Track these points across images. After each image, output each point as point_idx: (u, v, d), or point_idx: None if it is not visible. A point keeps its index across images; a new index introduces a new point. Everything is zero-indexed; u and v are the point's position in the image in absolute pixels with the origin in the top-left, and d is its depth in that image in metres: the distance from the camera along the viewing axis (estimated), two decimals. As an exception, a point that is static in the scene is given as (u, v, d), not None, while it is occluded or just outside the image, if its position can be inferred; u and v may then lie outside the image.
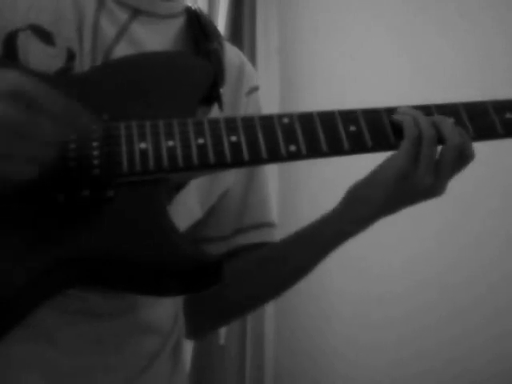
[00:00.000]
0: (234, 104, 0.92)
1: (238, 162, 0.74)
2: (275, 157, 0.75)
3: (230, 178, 0.94)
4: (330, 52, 2.51)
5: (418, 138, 0.78)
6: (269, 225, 0.98)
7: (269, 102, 2.26)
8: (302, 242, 0.92)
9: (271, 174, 2.31)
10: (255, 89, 0.97)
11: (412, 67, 2.38)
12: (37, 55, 0.77)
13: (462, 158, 0.79)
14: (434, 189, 0.80)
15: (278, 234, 0.98)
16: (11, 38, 0.77)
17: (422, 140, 0.78)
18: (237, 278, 0.91)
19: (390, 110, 0.79)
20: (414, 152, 0.78)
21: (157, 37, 0.86)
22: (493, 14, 2.32)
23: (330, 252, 0.90)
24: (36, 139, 0.63)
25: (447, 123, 0.79)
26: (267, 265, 0.94)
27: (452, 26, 2.37)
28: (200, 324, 0.99)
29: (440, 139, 0.78)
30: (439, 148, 0.79)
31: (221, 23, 2.24)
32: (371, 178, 0.83)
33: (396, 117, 0.79)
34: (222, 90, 0.85)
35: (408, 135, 0.78)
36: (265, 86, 2.24)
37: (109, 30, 0.82)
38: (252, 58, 2.32)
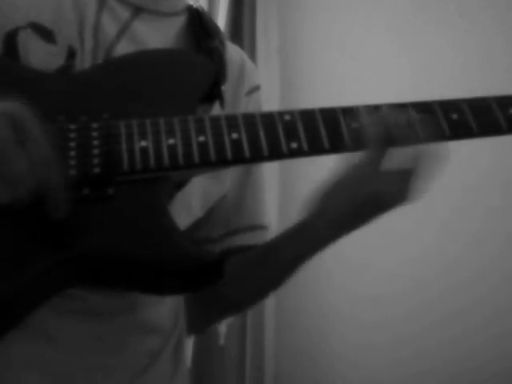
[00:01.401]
0: (234, 103, 0.92)
1: (239, 160, 0.74)
2: (276, 154, 0.74)
3: (231, 180, 0.94)
4: (329, 52, 2.51)
5: (378, 139, 0.75)
6: (262, 227, 0.97)
7: (269, 102, 2.25)
8: (281, 246, 0.90)
9: (272, 171, 2.33)
10: (256, 88, 0.97)
11: (412, 67, 2.38)
12: (37, 53, 0.77)
13: (431, 159, 0.76)
14: (400, 192, 0.76)
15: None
16: (11, 36, 0.77)
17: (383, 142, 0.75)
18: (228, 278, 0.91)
19: (392, 107, 0.79)
20: (373, 154, 0.76)
21: (158, 35, 0.86)
22: (493, 14, 2.32)
23: (309, 257, 0.88)
24: (5, 172, 0.62)
25: (418, 123, 0.76)
26: (251, 267, 0.93)
27: (452, 25, 2.37)
28: (194, 319, 0.98)
29: (407, 141, 0.76)
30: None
31: (221, 23, 2.24)
32: (335, 182, 0.80)
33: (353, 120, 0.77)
34: (223, 88, 0.85)
35: (367, 137, 0.76)
36: (265, 86, 2.24)
37: (110, 28, 0.82)
38: (252, 58, 2.32)
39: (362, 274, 2.37)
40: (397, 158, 0.76)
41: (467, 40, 2.35)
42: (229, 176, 0.93)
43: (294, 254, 0.86)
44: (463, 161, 2.17)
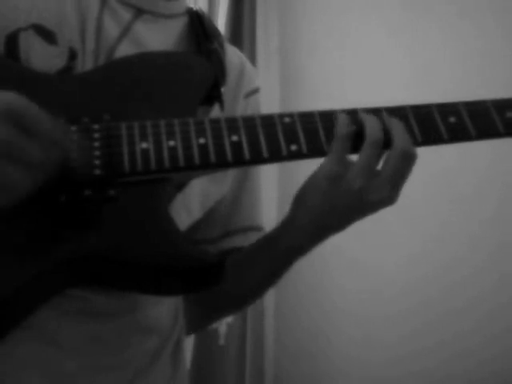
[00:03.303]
0: (233, 105, 0.92)
1: (239, 162, 0.74)
2: (276, 156, 0.74)
3: (229, 183, 0.94)
4: (330, 51, 2.51)
5: (346, 138, 0.75)
6: (257, 229, 0.98)
7: (269, 102, 2.26)
8: (254, 258, 0.90)
9: (271, 174, 2.32)
10: (255, 91, 0.97)
11: (412, 67, 2.39)
12: (38, 54, 0.77)
13: (407, 160, 0.75)
14: (376, 195, 0.75)
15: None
16: (13, 38, 0.77)
17: (363, 142, 0.75)
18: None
19: (391, 110, 0.79)
20: (342, 152, 0.75)
21: (159, 37, 0.86)
22: (493, 15, 2.32)
23: (285, 269, 0.87)
24: (23, 162, 0.62)
25: (397, 127, 0.76)
26: (245, 265, 0.92)
27: (452, 26, 2.37)
28: (193, 318, 0.98)
29: (385, 143, 0.75)
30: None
31: (221, 23, 2.24)
32: (308, 182, 0.80)
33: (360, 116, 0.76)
34: (222, 90, 0.85)
35: (336, 136, 0.75)
36: (265, 86, 2.24)
37: (112, 29, 0.82)
38: (252, 57, 2.33)
39: (363, 272, 2.38)
40: (387, 159, 0.75)
41: (467, 40, 2.35)
42: (228, 178, 0.93)
43: (284, 250, 0.85)
44: (463, 161, 2.18)
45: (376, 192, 0.74)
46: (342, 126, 0.75)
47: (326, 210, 0.77)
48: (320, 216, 0.78)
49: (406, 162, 0.75)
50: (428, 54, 2.37)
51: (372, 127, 0.75)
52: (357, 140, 0.76)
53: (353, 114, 0.77)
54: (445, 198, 2.30)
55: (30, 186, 0.63)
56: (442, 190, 2.30)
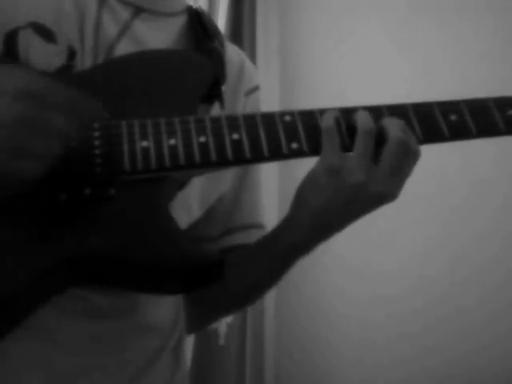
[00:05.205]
0: (233, 103, 0.92)
1: (239, 160, 0.74)
2: (277, 154, 0.74)
3: (229, 181, 0.94)
4: (330, 51, 2.51)
5: (332, 130, 0.75)
6: (258, 226, 0.98)
7: (269, 102, 2.26)
8: (256, 257, 0.90)
9: (272, 171, 2.32)
10: (255, 89, 0.97)
11: (411, 67, 2.39)
12: (37, 53, 0.77)
13: (406, 154, 0.74)
14: (375, 188, 0.74)
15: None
16: (12, 36, 0.77)
17: (356, 135, 0.75)
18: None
19: (392, 108, 0.79)
20: (332, 145, 0.75)
21: (158, 35, 0.86)
22: (493, 14, 2.32)
23: (286, 268, 0.87)
24: (49, 135, 0.63)
25: (390, 123, 0.75)
26: (245, 263, 0.92)
27: (452, 25, 2.37)
28: (193, 318, 0.98)
29: (381, 138, 0.75)
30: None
31: (221, 23, 2.24)
32: (307, 179, 0.79)
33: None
34: (223, 88, 0.85)
35: (323, 130, 0.75)
36: (265, 86, 2.24)
37: (111, 28, 0.82)
38: (252, 58, 2.32)
39: (363, 272, 2.38)
40: (384, 151, 0.75)
41: (467, 40, 2.36)
42: (227, 176, 0.93)
43: (284, 248, 0.84)
44: (465, 160, 2.18)
45: (376, 184, 0.74)
46: (328, 120, 0.75)
47: (327, 207, 0.77)
48: (320, 213, 0.78)
49: (403, 152, 0.74)
50: (428, 54, 2.37)
51: (363, 118, 0.75)
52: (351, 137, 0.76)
53: (347, 112, 0.77)
54: (447, 198, 2.30)
55: (56, 153, 0.65)
56: (444, 190, 2.30)
